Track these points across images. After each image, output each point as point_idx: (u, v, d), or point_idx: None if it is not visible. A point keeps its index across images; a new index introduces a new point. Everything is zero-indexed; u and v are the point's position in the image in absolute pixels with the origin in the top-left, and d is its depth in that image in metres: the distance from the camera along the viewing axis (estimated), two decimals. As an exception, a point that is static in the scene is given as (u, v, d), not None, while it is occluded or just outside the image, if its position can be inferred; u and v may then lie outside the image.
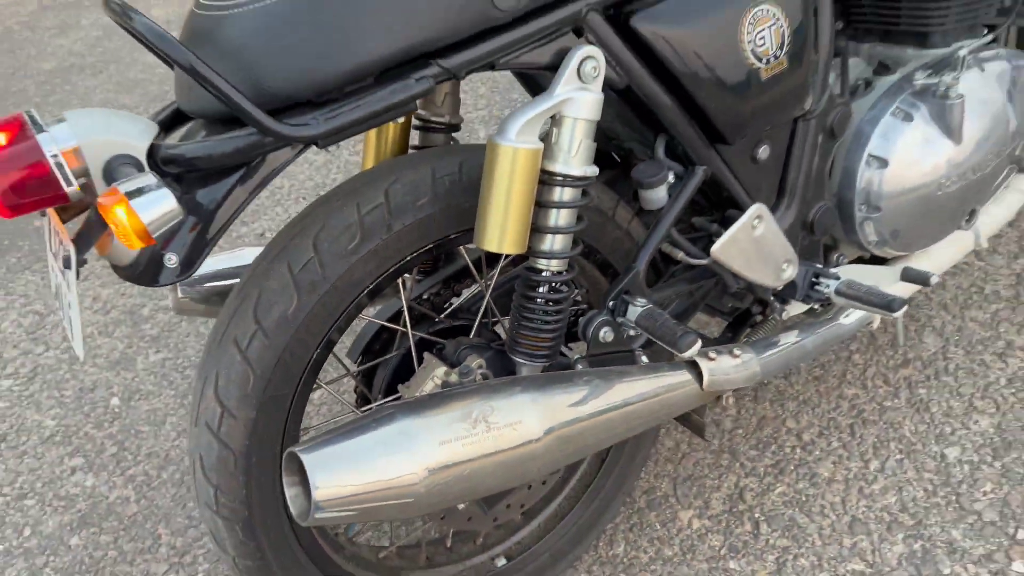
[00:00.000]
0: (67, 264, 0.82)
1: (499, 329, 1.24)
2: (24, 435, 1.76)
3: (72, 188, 0.77)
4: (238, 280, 1.09)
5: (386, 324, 1.18)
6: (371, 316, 1.26)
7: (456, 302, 1.25)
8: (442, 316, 1.20)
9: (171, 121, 0.95)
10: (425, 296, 1.24)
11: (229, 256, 1.21)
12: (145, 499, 1.58)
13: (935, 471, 1.41)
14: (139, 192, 0.73)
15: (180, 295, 1.18)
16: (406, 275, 1.16)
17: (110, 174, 0.80)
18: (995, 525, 1.31)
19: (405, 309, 1.10)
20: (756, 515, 1.39)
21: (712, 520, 1.40)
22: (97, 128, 0.81)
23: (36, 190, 0.76)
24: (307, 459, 0.79)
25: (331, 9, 0.83)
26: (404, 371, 1.18)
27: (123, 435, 1.73)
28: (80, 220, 0.88)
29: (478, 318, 1.14)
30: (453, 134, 1.19)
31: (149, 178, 0.75)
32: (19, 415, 1.82)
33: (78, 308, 0.84)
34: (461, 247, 1.12)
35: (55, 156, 0.76)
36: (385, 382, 1.18)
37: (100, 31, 3.04)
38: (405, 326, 1.12)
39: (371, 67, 0.84)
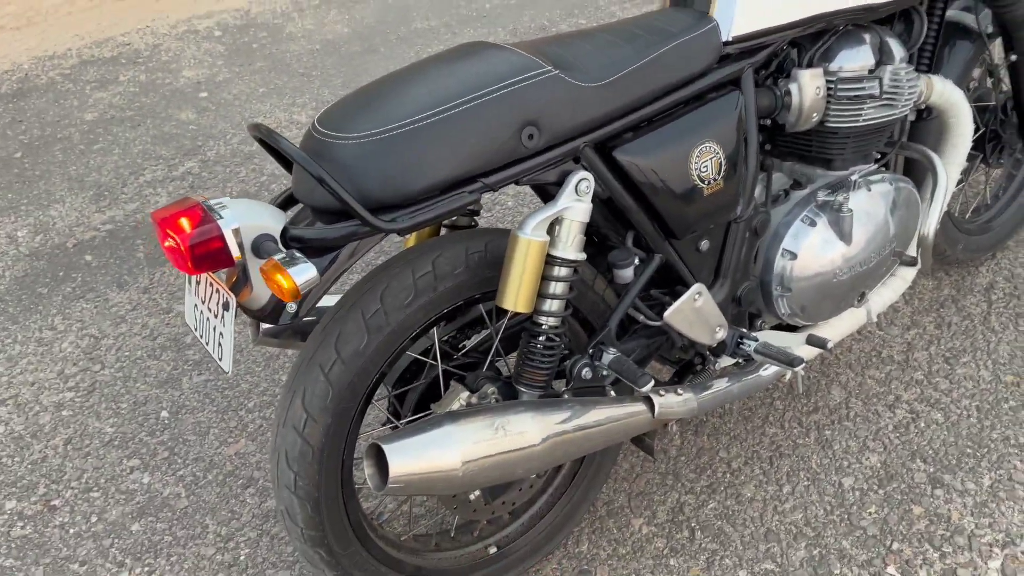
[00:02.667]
0: (226, 307, 1.18)
1: (500, 365, 1.61)
2: (87, 439, 2.08)
3: (237, 255, 1.14)
4: (316, 321, 1.45)
5: (419, 357, 1.54)
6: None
7: (469, 344, 1.62)
8: (459, 354, 1.57)
9: (285, 202, 1.33)
10: (446, 339, 1.61)
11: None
12: (194, 495, 1.91)
13: (833, 495, 1.80)
14: (292, 262, 1.11)
15: (262, 331, 1.53)
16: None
17: (257, 248, 1.17)
18: (876, 538, 1.70)
19: (438, 350, 1.47)
20: (692, 524, 1.76)
21: (658, 527, 1.77)
22: (249, 215, 1.18)
23: (215, 257, 1.13)
24: (387, 448, 1.15)
25: (415, 145, 1.21)
26: (430, 395, 1.54)
27: (173, 442, 2.05)
28: (220, 276, 1.24)
29: (489, 356, 1.51)
30: (475, 219, 1.58)
31: (300, 255, 1.12)
32: (82, 422, 2.13)
33: (231, 337, 1.19)
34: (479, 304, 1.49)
35: (229, 235, 1.13)
36: (414, 402, 1.54)
37: (137, 87, 3.38)
38: (436, 360, 1.48)
39: (440, 185, 1.22)
